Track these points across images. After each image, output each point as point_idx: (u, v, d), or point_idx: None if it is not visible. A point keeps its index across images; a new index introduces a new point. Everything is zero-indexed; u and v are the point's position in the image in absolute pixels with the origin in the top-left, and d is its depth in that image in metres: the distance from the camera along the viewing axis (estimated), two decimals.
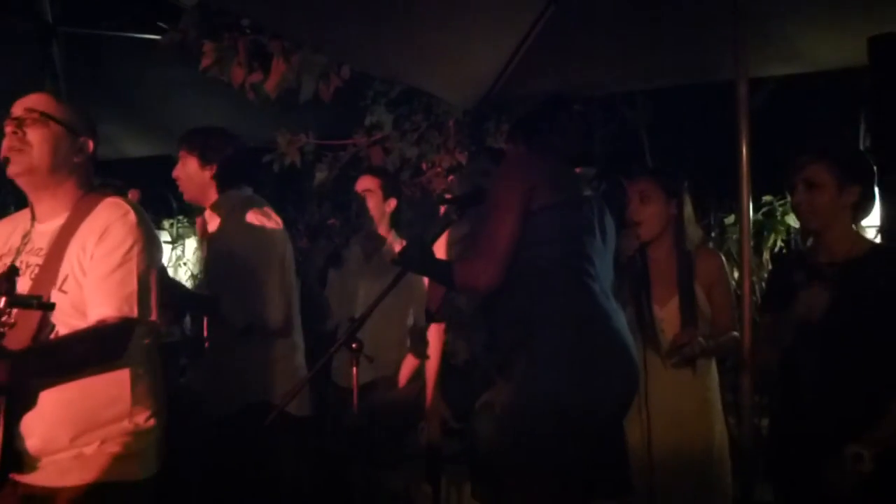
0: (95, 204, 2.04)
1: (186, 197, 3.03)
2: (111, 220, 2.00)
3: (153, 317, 2.03)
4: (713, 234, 4.70)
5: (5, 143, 2.01)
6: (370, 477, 3.22)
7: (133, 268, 1.98)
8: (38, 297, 1.79)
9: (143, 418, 2.05)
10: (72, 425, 1.95)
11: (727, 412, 3.00)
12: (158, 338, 2.21)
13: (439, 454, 3.01)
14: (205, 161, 2.92)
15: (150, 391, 2.09)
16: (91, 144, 2.12)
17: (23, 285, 1.89)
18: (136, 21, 4.03)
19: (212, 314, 2.88)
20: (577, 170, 2.62)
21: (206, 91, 4.17)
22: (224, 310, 2.80)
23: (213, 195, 2.96)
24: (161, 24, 3.72)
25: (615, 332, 2.34)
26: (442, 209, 3.36)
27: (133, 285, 1.97)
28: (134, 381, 2.04)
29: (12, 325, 1.66)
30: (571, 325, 2.29)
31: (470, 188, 2.87)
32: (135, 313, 1.96)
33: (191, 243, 6.31)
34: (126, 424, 2.02)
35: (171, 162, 3.03)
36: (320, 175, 4.44)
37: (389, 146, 4.25)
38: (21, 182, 2.05)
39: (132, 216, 2.03)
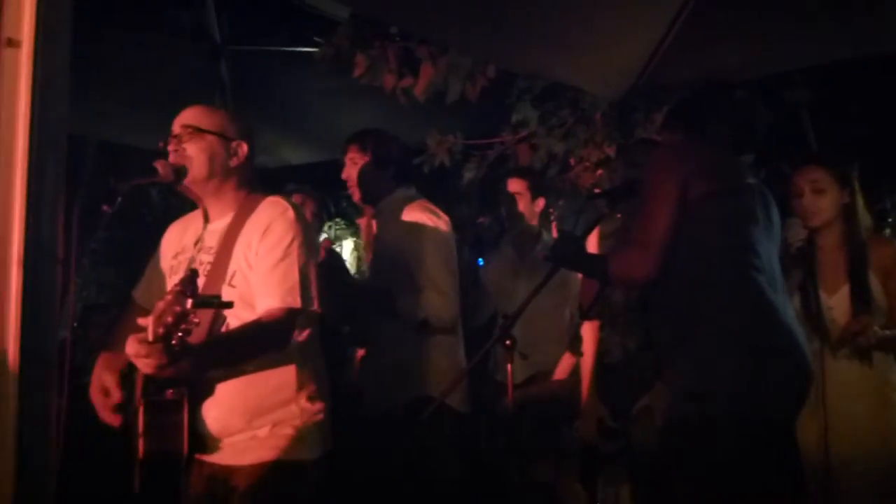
0: (258, 203, 2.20)
1: (357, 198, 3.14)
2: (273, 217, 2.14)
3: (315, 306, 2.15)
4: (890, 220, 4.37)
5: (169, 160, 2.19)
6: (524, 473, 3.24)
7: (294, 261, 2.11)
8: (218, 297, 1.94)
9: (309, 403, 2.19)
10: (244, 410, 2.11)
11: None
12: (322, 328, 2.33)
13: (595, 453, 2.99)
14: (378, 161, 3.03)
15: (314, 377, 2.23)
16: (245, 147, 2.25)
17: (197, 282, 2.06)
18: (295, 36, 4.25)
19: (386, 310, 2.93)
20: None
21: (358, 98, 4.32)
22: (399, 306, 2.88)
23: (383, 194, 3.06)
24: (317, 38, 3.89)
25: (785, 326, 2.23)
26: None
27: (295, 277, 2.09)
28: (299, 368, 2.18)
29: (197, 325, 1.78)
30: (736, 319, 2.20)
31: (620, 181, 2.83)
32: (298, 303, 2.08)
33: (348, 244, 6.58)
34: (293, 408, 2.16)
35: (327, 167, 3.16)
36: (468, 174, 4.48)
37: (536, 143, 4.23)
38: (187, 193, 2.24)
39: (291, 213, 2.17)
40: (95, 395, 2.15)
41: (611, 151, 4.18)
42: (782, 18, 3.18)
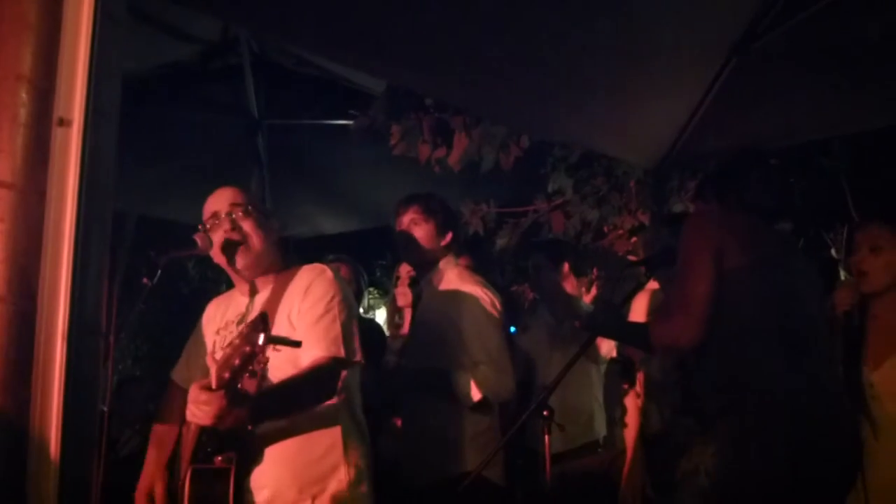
0: (296, 271, 2.26)
1: (411, 260, 3.07)
2: (312, 278, 2.21)
3: (358, 357, 2.17)
4: None
5: (227, 238, 2.21)
6: None
7: (336, 314, 2.15)
8: (287, 338, 1.93)
9: (355, 471, 2.16)
10: (295, 480, 2.09)
11: None
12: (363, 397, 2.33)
13: None
14: (441, 226, 2.94)
15: (359, 442, 2.22)
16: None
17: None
18: (330, 110, 4.35)
19: (442, 391, 2.79)
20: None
21: (394, 168, 4.38)
22: (454, 386, 2.74)
23: (435, 261, 2.94)
24: (353, 111, 3.98)
25: (831, 400, 2.16)
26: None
27: (337, 329, 2.13)
28: (344, 431, 2.18)
29: (265, 364, 1.79)
30: (780, 392, 2.13)
31: (657, 249, 2.80)
32: (342, 353, 2.11)
33: (381, 313, 6.57)
34: (342, 476, 2.14)
35: (362, 236, 3.16)
36: (501, 241, 4.50)
37: (570, 211, 4.25)
38: (246, 272, 2.25)
39: (329, 273, 2.24)
40: (139, 499, 2.18)
41: (645, 219, 4.18)
42: (817, 90, 3.18)
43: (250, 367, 1.76)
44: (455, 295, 2.84)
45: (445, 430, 2.82)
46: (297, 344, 1.88)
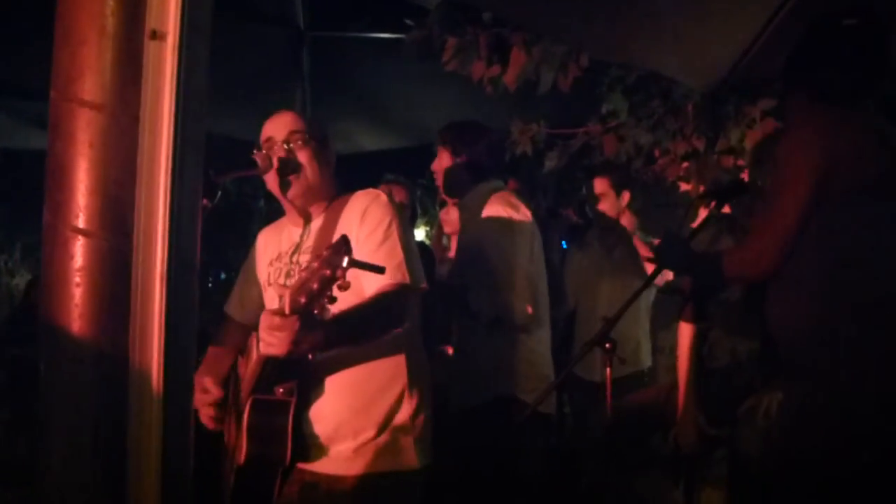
0: (349, 197, 2.18)
1: (442, 189, 3.12)
2: (367, 204, 2.12)
3: (424, 283, 2.11)
4: None
5: (280, 166, 2.11)
6: (616, 479, 3.13)
7: (396, 240, 2.08)
8: (371, 263, 1.81)
9: (418, 400, 2.11)
10: (360, 410, 2.04)
11: None
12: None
13: (692, 461, 2.86)
14: (456, 154, 3.00)
15: (422, 372, 2.17)
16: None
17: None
18: (377, 22, 4.18)
19: (460, 305, 2.89)
20: None
21: (440, 85, 4.23)
22: (472, 301, 2.82)
23: (464, 189, 3.02)
24: (408, 21, 3.79)
25: None
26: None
27: (400, 255, 2.06)
28: (409, 361, 2.12)
29: (347, 287, 1.67)
30: (876, 353, 1.98)
31: (729, 181, 2.67)
32: (407, 279, 2.04)
33: (419, 233, 6.51)
34: (405, 406, 2.09)
35: (406, 155, 3.10)
36: (549, 163, 4.36)
37: (623, 134, 4.08)
38: (296, 201, 2.17)
39: (383, 197, 2.15)
40: (196, 396, 2.11)
41: (699, 144, 4.02)
42: None
43: (328, 293, 1.66)
44: (481, 217, 2.89)
45: (487, 353, 2.86)
46: (380, 270, 1.76)
